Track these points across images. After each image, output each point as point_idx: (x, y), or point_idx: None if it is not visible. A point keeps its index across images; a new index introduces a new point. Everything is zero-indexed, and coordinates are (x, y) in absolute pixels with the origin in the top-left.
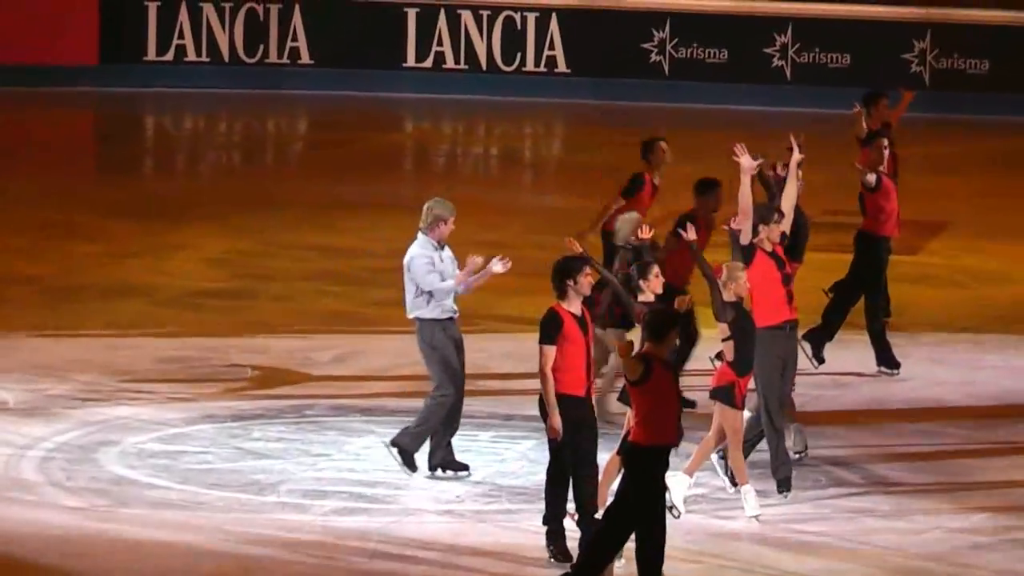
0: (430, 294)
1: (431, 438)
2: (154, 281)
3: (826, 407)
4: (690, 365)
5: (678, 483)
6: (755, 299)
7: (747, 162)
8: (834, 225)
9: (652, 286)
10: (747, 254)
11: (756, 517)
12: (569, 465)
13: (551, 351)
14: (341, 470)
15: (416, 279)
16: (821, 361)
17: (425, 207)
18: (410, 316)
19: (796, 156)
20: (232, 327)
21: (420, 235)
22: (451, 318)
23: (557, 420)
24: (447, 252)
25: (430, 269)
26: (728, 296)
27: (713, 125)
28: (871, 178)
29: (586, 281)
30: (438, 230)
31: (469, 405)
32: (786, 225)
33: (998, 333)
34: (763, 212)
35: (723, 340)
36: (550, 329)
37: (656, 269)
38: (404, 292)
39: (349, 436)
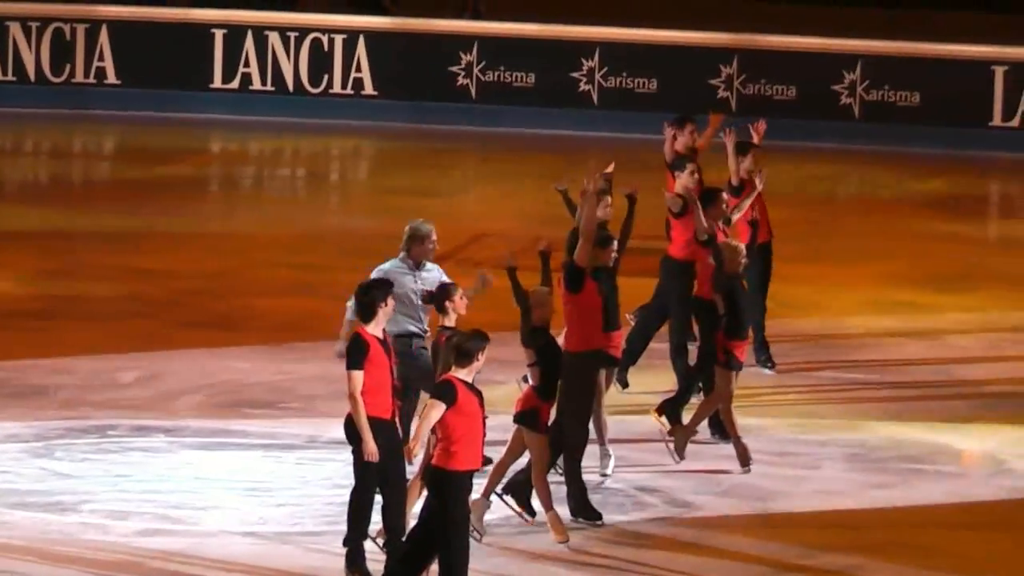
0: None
1: None
2: None
3: (630, 431)
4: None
5: (477, 507)
6: (576, 323)
7: (594, 185)
8: (641, 250)
9: (457, 307)
10: (577, 279)
11: (564, 542)
12: (374, 487)
13: (359, 375)
14: (144, 491)
15: None
16: (625, 385)
17: (405, 229)
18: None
19: (595, 184)
20: (36, 347)
21: (400, 254)
22: (416, 334)
23: (372, 443)
24: (431, 273)
25: None
26: (535, 321)
27: (521, 149)
28: (676, 203)
29: (392, 305)
30: (414, 250)
31: (275, 427)
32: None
33: (803, 359)
34: (597, 235)
35: (529, 365)
36: (358, 354)
37: (461, 291)
38: None
39: (153, 457)
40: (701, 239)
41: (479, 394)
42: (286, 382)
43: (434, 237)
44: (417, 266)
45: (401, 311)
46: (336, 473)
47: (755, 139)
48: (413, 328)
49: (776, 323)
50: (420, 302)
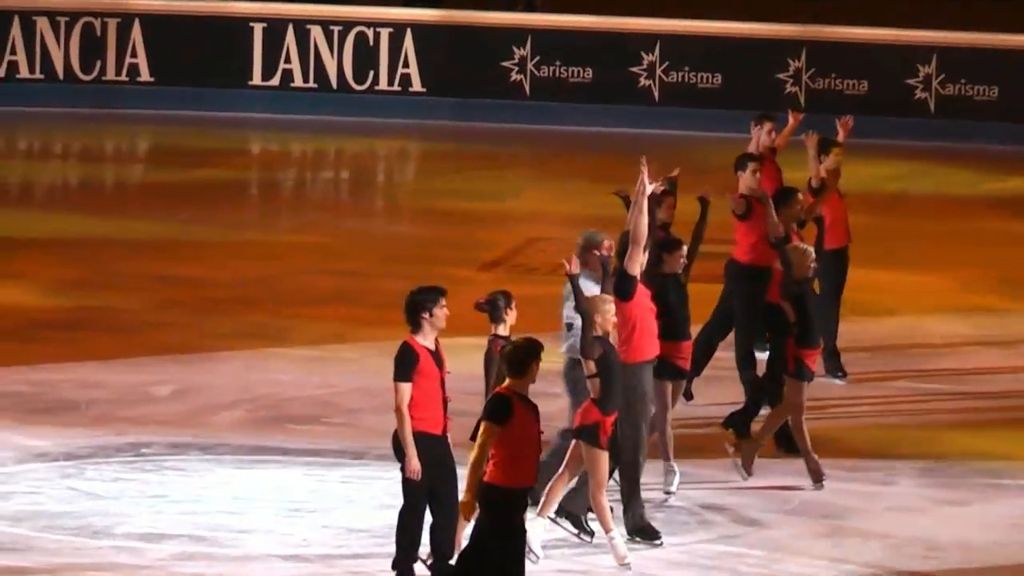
0: (568, 327)
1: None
2: None
3: (695, 446)
4: None
5: (534, 527)
6: (634, 333)
7: (647, 183)
8: (704, 254)
9: (511, 317)
10: (629, 286)
11: (626, 564)
12: (423, 507)
13: (407, 388)
14: (181, 512)
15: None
16: (689, 398)
17: (577, 241)
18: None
19: (647, 188)
20: (67, 360)
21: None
22: None
23: (415, 460)
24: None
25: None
26: (594, 330)
27: (577, 148)
28: (740, 205)
29: (442, 313)
30: (591, 261)
31: (318, 443)
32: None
33: (876, 369)
34: (665, 240)
35: (588, 377)
36: (405, 365)
37: (513, 301)
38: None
39: (189, 476)
40: (773, 241)
41: (534, 408)
42: (329, 395)
43: (607, 244)
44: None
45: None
46: (384, 492)
47: (840, 135)
48: None
49: (847, 330)
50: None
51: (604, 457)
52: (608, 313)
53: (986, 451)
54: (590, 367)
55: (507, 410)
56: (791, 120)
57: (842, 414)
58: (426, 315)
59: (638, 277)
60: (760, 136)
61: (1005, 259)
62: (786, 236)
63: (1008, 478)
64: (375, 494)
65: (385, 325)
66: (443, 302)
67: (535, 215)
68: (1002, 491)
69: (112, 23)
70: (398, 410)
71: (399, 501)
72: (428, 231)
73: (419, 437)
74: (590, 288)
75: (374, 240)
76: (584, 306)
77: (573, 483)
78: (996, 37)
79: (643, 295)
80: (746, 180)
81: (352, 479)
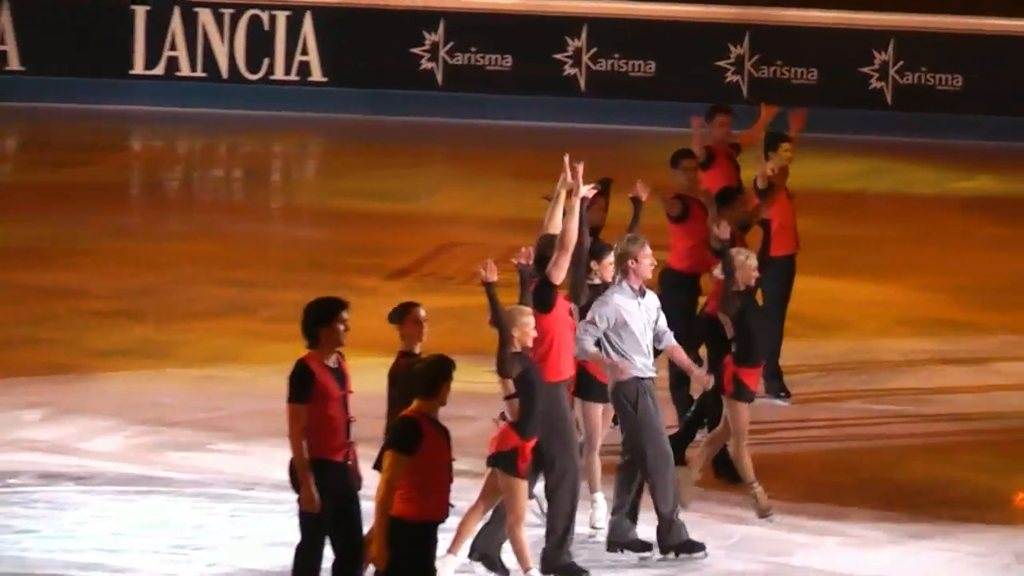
0: (610, 344)
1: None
2: None
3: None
4: None
5: (445, 564)
6: (551, 350)
7: (580, 185)
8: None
9: (421, 332)
10: (548, 297)
11: None
12: (323, 544)
13: (302, 410)
14: (51, 549)
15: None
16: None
17: (615, 248)
18: None
19: (580, 189)
20: None
21: (615, 278)
22: (650, 378)
23: (312, 491)
24: (652, 299)
25: (592, 323)
26: (513, 346)
27: (496, 144)
28: (675, 206)
29: (343, 328)
30: (631, 271)
31: (206, 473)
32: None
33: (827, 389)
34: (594, 246)
35: (506, 398)
36: (301, 385)
37: (417, 313)
38: None
39: (61, 509)
40: (714, 247)
41: (446, 432)
42: (218, 419)
43: (644, 251)
44: (640, 292)
45: (629, 348)
46: (278, 526)
47: (792, 131)
48: (635, 372)
49: (795, 347)
50: (651, 337)
51: (523, 487)
52: (528, 326)
53: (949, 479)
54: (508, 386)
55: (416, 436)
56: (763, 113)
57: (789, 439)
58: (325, 329)
59: (555, 287)
60: (711, 131)
61: (972, 265)
62: (731, 241)
63: (972, 508)
64: (268, 529)
65: (281, 340)
66: (345, 315)
67: (450, 218)
68: (966, 523)
69: None
70: (292, 435)
71: (296, 537)
72: (330, 236)
73: (318, 465)
74: (628, 304)
75: (270, 246)
76: (501, 319)
77: (487, 516)
78: (959, 20)
79: (562, 308)
80: (679, 179)
81: (243, 513)
